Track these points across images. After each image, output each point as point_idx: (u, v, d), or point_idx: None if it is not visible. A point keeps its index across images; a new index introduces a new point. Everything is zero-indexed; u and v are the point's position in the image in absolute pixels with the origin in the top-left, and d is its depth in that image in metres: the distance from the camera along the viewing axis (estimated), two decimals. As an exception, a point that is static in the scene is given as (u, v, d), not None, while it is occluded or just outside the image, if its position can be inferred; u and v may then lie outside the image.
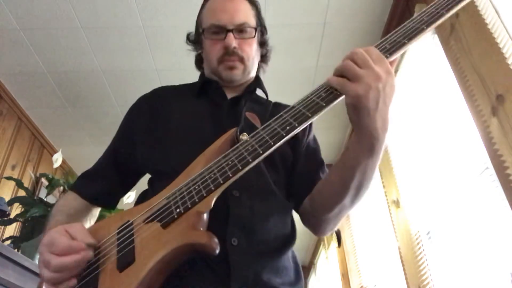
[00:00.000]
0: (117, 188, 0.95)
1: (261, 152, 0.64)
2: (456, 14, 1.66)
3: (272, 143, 0.64)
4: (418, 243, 2.01)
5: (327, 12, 2.28)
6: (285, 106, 1.00)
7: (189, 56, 1.12)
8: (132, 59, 2.52)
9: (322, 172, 0.91)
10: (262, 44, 1.02)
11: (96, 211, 0.94)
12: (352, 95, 0.62)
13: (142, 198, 0.85)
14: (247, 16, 0.95)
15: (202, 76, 1.04)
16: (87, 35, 2.35)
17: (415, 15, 0.74)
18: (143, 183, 0.93)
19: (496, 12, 1.43)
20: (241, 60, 0.94)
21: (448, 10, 0.72)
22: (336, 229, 1.14)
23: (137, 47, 2.44)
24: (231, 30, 0.91)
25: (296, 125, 0.65)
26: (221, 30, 0.92)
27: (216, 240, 0.59)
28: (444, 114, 1.80)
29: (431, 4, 0.75)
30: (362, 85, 0.62)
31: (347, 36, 2.43)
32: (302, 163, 0.90)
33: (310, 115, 0.65)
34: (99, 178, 0.93)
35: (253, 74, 1.00)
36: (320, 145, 0.98)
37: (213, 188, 0.64)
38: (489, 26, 1.45)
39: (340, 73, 0.66)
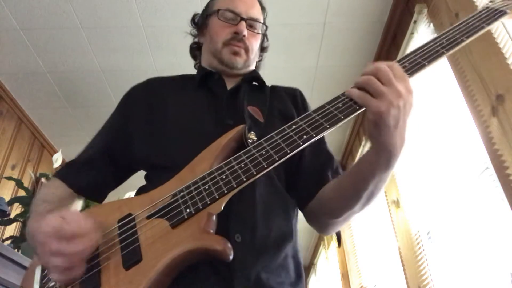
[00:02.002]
0: (108, 181, 0.91)
1: (277, 159, 0.64)
2: (456, 14, 1.66)
3: (289, 151, 0.64)
4: (418, 243, 2.01)
5: (327, 12, 2.28)
6: (282, 88, 1.02)
7: (189, 55, 1.11)
8: (132, 59, 2.52)
9: (331, 169, 0.88)
10: (263, 48, 1.06)
11: (80, 201, 0.89)
12: (374, 111, 0.62)
13: (140, 194, 0.82)
14: (259, 14, 1.01)
15: (200, 67, 1.02)
16: (87, 35, 2.35)
17: (435, 36, 0.75)
18: (141, 182, 0.91)
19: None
20: (246, 50, 0.97)
21: (468, 37, 0.74)
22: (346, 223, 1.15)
23: (137, 47, 2.44)
24: (245, 20, 0.96)
25: (314, 135, 0.65)
26: (235, 17, 0.96)
27: (229, 245, 0.58)
28: (444, 114, 1.80)
29: (453, 27, 0.76)
30: (385, 102, 0.62)
31: (347, 36, 2.43)
32: (308, 159, 0.88)
33: (328, 126, 0.65)
34: (89, 168, 0.88)
35: (251, 68, 1.02)
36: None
37: (226, 191, 0.63)
38: (489, 26, 1.45)
39: (361, 87, 0.65)
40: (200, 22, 1.04)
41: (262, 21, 1.02)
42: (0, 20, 2.21)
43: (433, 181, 1.88)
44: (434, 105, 1.89)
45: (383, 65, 0.64)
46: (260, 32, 1.01)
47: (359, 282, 3.04)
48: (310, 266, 5.16)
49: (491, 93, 1.43)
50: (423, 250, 1.96)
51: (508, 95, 1.34)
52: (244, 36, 0.95)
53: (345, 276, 3.33)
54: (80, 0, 2.15)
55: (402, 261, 2.18)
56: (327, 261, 4.17)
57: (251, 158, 0.65)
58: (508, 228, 1.35)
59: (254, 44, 0.99)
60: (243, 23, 0.95)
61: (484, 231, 1.49)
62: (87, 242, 0.60)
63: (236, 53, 0.95)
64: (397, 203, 2.31)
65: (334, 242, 3.61)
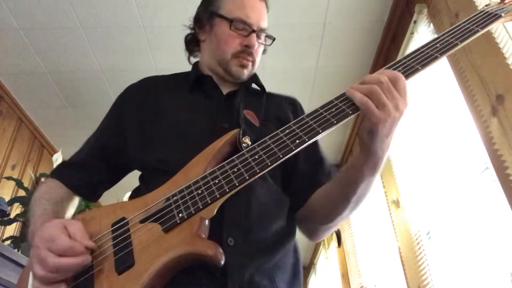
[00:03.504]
0: (103, 180, 0.91)
1: (269, 164, 0.64)
2: (456, 15, 1.66)
3: (281, 156, 0.64)
4: (418, 243, 2.01)
5: (327, 12, 2.28)
6: (279, 95, 1.01)
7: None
8: (132, 59, 2.52)
9: (323, 174, 0.89)
10: (263, 51, 1.05)
11: (77, 200, 0.90)
12: (375, 121, 0.64)
13: (135, 196, 0.82)
14: (266, 21, 0.99)
15: (195, 68, 1.01)
16: (87, 35, 2.35)
17: (429, 40, 0.75)
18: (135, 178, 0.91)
19: (496, 12, 1.43)
20: (253, 62, 0.96)
21: (462, 41, 0.74)
22: (335, 229, 1.15)
23: (137, 47, 2.44)
24: (256, 32, 0.94)
25: (306, 139, 0.65)
26: (246, 28, 0.93)
27: (221, 250, 0.58)
28: (444, 114, 1.80)
29: (448, 30, 0.76)
30: (385, 113, 0.64)
31: (347, 36, 2.43)
32: (301, 164, 0.89)
33: (320, 130, 0.65)
34: (85, 168, 0.89)
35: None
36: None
37: (218, 196, 0.63)
38: (489, 26, 1.45)
39: (365, 94, 0.66)
40: (204, 20, 1.00)
41: (268, 29, 1.00)
42: (0, 20, 2.21)
43: (433, 181, 1.88)
44: (434, 105, 1.89)
45: (385, 78, 0.66)
46: (267, 43, 1.00)
47: (359, 282, 3.04)
48: (310, 266, 5.16)
49: (491, 93, 1.43)
50: (423, 250, 1.96)
51: (508, 95, 1.34)
52: (253, 49, 0.94)
53: (345, 276, 3.33)
54: (80, 0, 2.15)
55: (402, 261, 2.18)
56: (327, 261, 4.17)
57: (244, 162, 0.66)
58: (508, 228, 1.35)
59: (260, 54, 0.99)
60: (254, 36, 0.93)
61: (484, 231, 1.49)
62: (71, 262, 0.60)
63: (244, 66, 0.94)
64: (397, 203, 2.30)
65: (334, 242, 3.61)
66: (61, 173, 0.90)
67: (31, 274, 0.65)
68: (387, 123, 0.64)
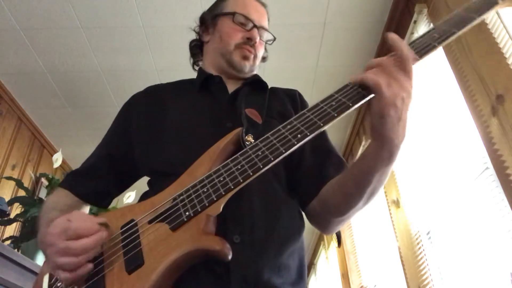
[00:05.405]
0: (112, 187, 0.94)
1: (272, 159, 0.64)
2: (456, 14, 1.66)
3: (284, 151, 0.65)
4: (418, 243, 2.01)
5: (327, 12, 2.28)
6: (281, 89, 1.03)
7: (189, 55, 1.12)
8: (132, 59, 2.52)
9: (332, 165, 0.88)
10: (262, 58, 1.07)
11: (87, 208, 0.93)
12: (385, 101, 0.62)
13: (143, 199, 0.83)
14: (267, 25, 1.05)
15: (201, 71, 1.03)
16: (87, 35, 2.35)
17: (426, 30, 0.75)
18: (143, 183, 0.92)
19: (496, 12, 1.43)
20: (255, 56, 0.99)
21: (459, 29, 0.74)
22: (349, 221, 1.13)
23: (137, 47, 2.44)
24: (257, 28, 0.99)
25: (308, 133, 0.65)
26: (248, 23, 0.98)
27: (228, 245, 0.59)
28: (444, 114, 1.80)
29: (444, 20, 0.76)
30: (393, 92, 0.63)
31: (347, 36, 2.43)
32: (308, 158, 0.88)
33: (322, 124, 0.65)
34: (93, 176, 0.92)
35: (254, 73, 1.04)
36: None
37: (223, 193, 0.64)
38: (489, 26, 1.45)
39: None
40: (208, 21, 1.04)
41: (268, 30, 1.04)
42: (0, 20, 2.21)
43: (433, 181, 1.88)
44: (434, 105, 1.89)
45: (385, 59, 0.66)
46: (267, 41, 1.04)
47: (359, 282, 3.04)
48: (310, 266, 5.16)
49: (491, 93, 1.43)
50: (423, 250, 1.96)
51: (508, 95, 1.34)
52: (255, 42, 0.97)
53: (345, 276, 3.33)
54: (80, 0, 2.15)
55: (402, 261, 2.18)
56: (327, 261, 4.17)
57: (247, 159, 0.67)
58: (508, 228, 1.35)
59: (261, 52, 1.03)
60: (256, 30, 0.98)
61: (484, 231, 1.49)
62: (93, 239, 0.63)
63: (246, 58, 0.97)
64: (397, 203, 2.31)
65: (334, 242, 3.61)
66: (70, 182, 0.92)
67: (45, 279, 0.66)
68: (397, 104, 0.63)
